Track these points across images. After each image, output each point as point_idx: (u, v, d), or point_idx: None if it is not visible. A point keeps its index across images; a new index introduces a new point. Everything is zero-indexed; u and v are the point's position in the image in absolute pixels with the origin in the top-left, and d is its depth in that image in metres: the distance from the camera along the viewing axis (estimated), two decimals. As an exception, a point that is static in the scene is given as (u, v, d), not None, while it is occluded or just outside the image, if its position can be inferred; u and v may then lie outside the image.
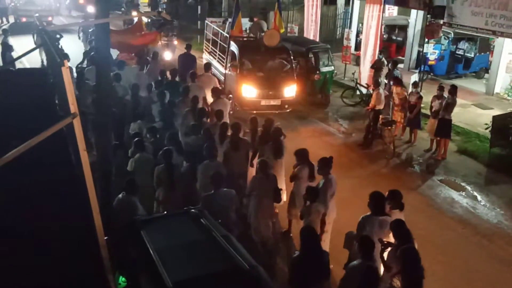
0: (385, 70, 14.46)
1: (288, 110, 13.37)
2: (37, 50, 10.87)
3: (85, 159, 3.73)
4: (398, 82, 12.26)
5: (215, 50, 15.50)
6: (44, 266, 3.74)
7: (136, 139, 7.91)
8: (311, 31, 18.94)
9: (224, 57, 14.12)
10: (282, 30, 14.79)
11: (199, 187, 7.32)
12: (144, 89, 11.06)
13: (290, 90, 13.20)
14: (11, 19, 29.18)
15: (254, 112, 11.69)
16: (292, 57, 13.64)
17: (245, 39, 15.27)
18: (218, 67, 14.86)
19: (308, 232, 5.48)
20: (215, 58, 15.30)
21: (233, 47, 13.63)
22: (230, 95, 13.09)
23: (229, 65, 13.71)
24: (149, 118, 9.42)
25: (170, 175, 7.22)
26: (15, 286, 3.62)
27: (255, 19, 18.88)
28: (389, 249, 5.48)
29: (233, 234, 6.58)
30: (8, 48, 15.28)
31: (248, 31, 18.01)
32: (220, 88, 11.54)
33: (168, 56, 17.18)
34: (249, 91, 12.88)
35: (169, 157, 7.30)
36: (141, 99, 10.42)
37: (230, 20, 19.64)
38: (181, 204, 7.14)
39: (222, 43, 15.27)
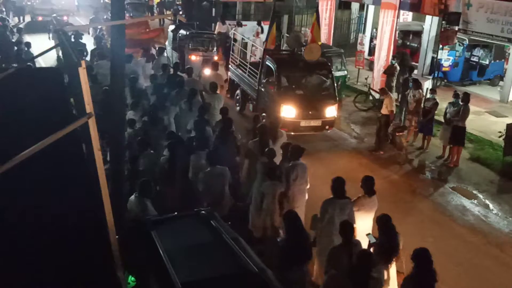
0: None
1: (328, 131, 12.39)
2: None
3: (99, 159, 3.77)
4: (418, 85, 12.06)
5: (244, 62, 14.41)
6: (55, 263, 3.77)
7: (139, 138, 7.99)
8: (324, 35, 18.90)
9: (257, 71, 12.92)
10: (319, 43, 13.49)
11: (191, 177, 7.62)
12: (148, 80, 11.55)
13: (332, 110, 12.02)
14: (28, 18, 29.56)
15: (292, 133, 11.07)
16: (332, 73, 12.64)
17: (283, 53, 14.17)
18: (249, 82, 13.47)
19: (291, 217, 5.76)
20: (245, 72, 13.83)
21: (269, 61, 12.41)
22: (264, 114, 11.86)
23: (263, 81, 12.59)
24: (141, 108, 9.61)
25: (172, 168, 7.39)
26: (24, 282, 3.66)
27: (265, 22, 18.90)
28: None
29: (226, 206, 7.28)
30: (18, 44, 15.62)
31: (254, 35, 17.93)
32: (217, 84, 11.23)
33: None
34: (288, 111, 11.60)
35: (173, 150, 7.51)
36: (139, 91, 10.77)
37: (244, 23, 19.80)
38: (180, 198, 7.31)
39: (252, 56, 15.04)
